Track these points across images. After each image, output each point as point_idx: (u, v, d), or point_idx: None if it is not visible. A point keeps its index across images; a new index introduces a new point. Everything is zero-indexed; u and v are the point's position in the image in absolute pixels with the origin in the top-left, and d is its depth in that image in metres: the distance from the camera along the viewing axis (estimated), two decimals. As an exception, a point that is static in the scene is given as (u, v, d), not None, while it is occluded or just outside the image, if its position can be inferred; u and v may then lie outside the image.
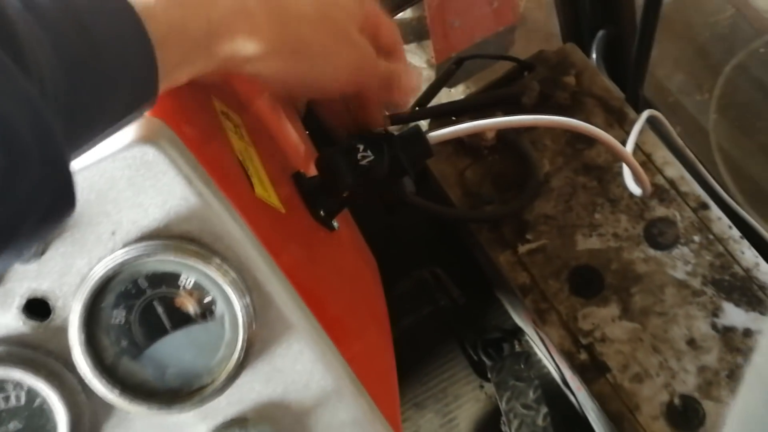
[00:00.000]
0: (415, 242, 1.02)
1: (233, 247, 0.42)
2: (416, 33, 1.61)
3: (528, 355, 0.98)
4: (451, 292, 0.94)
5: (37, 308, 0.42)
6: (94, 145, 0.39)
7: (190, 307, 0.42)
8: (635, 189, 0.80)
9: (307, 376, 0.45)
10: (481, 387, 1.05)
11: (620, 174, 0.89)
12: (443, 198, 0.94)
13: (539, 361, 1.04)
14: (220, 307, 0.43)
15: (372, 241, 0.88)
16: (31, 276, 0.41)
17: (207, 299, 0.42)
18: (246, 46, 0.45)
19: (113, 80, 0.37)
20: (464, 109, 0.93)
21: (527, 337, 1.04)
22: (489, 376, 0.97)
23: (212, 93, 0.53)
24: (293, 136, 0.71)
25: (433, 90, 0.98)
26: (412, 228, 1.01)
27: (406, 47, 1.66)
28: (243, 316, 0.42)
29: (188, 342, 0.43)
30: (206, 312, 0.43)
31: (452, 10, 1.44)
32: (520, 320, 1.03)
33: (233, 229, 0.43)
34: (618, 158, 0.88)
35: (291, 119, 0.75)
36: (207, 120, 0.50)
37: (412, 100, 0.91)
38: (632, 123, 0.91)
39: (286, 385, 0.45)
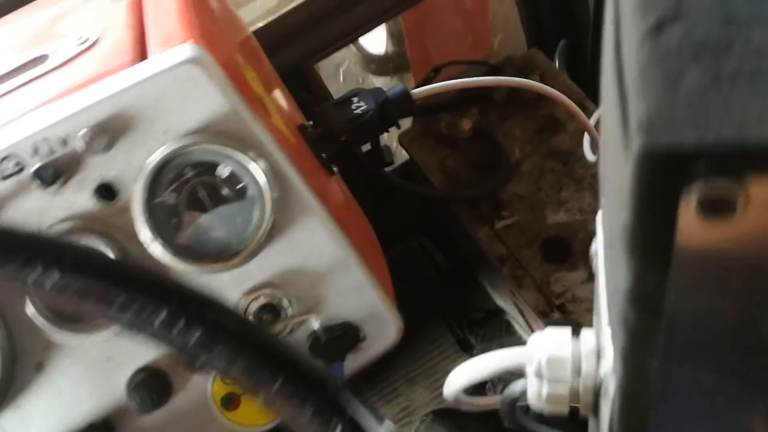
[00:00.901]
0: (403, 231, 1.12)
1: (259, 143, 0.53)
2: (397, 68, 1.75)
3: (508, 324, 1.08)
4: (435, 258, 1.04)
5: (106, 192, 0.52)
6: None
7: (227, 190, 0.53)
8: (591, 156, 0.92)
9: (321, 248, 0.55)
10: (468, 362, 1.14)
11: (583, 156, 1.01)
12: (427, 185, 1.05)
13: (520, 337, 1.13)
14: (251, 191, 0.53)
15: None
16: (101, 165, 0.52)
17: (240, 185, 0.53)
18: None
19: None
20: (443, 106, 1.06)
21: (507, 317, 1.14)
22: (473, 343, 1.07)
23: (235, 49, 0.65)
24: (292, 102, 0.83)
25: (414, 92, 1.11)
26: (401, 217, 1.12)
27: (386, 80, 1.80)
28: (270, 197, 0.53)
29: (225, 218, 0.53)
30: (240, 194, 0.53)
31: (430, 39, 1.58)
32: (500, 299, 1.13)
33: (258, 130, 0.54)
34: (574, 118, 0.98)
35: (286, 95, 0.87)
36: (234, 60, 0.61)
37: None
38: (592, 114, 1.03)
39: (303, 255, 0.55)
